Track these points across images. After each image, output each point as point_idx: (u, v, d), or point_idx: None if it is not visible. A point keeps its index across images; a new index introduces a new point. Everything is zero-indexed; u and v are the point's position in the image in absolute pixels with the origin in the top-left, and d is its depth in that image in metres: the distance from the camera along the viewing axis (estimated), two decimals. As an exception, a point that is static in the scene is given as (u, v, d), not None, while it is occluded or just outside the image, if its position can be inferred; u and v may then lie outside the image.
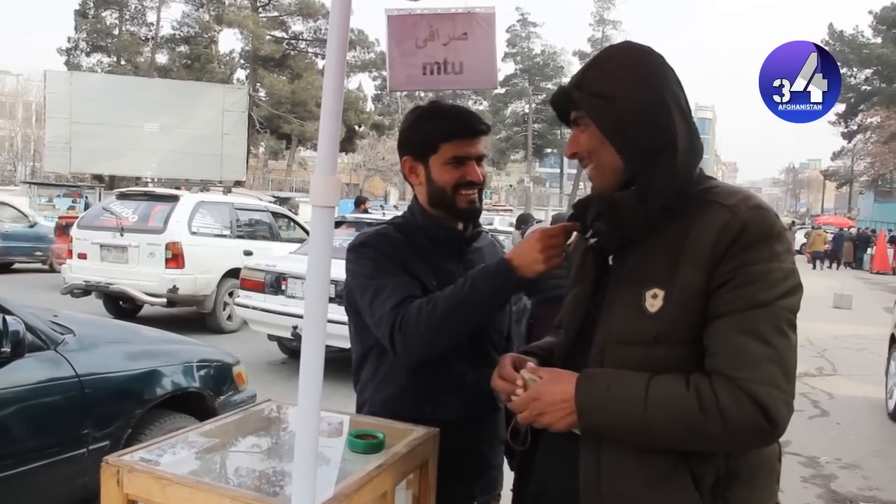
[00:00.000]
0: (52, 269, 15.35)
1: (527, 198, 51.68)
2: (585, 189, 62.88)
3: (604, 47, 1.58)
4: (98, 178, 32.22)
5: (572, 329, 1.58)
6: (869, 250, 32.10)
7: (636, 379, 1.35)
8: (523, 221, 9.24)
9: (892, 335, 7.71)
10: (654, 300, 1.37)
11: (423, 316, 1.71)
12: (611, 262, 1.51)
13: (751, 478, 1.39)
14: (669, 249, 1.38)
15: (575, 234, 1.66)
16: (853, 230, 38.08)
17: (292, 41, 45.43)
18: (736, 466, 1.37)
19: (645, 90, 1.42)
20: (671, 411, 1.31)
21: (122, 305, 10.63)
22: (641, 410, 1.32)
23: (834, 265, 31.87)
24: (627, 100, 1.41)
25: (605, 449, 1.40)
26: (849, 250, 32.79)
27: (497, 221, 22.58)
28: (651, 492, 1.36)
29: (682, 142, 1.42)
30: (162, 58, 43.95)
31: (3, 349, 2.98)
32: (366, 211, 12.28)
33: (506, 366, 1.54)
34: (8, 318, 3.03)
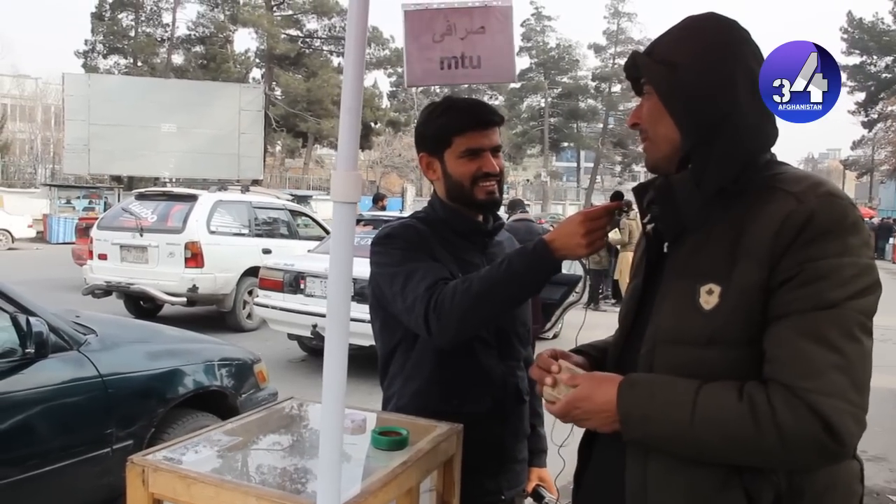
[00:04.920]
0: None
1: (544, 192, 51.50)
2: (603, 183, 62.69)
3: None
4: (117, 179, 32.45)
5: (625, 326, 1.49)
6: (891, 240, 31.68)
7: (683, 387, 1.23)
8: (515, 206, 8.80)
9: (917, 326, 7.59)
10: (709, 297, 1.26)
11: (458, 294, 1.67)
12: (665, 251, 1.41)
13: (819, 498, 1.25)
14: (727, 241, 1.26)
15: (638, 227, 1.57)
16: (874, 220, 37.64)
17: (307, 39, 45.49)
18: (801, 484, 1.23)
19: (712, 60, 1.31)
20: (721, 425, 1.19)
21: (142, 305, 10.70)
22: (688, 422, 1.20)
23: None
24: (690, 67, 1.31)
25: (653, 458, 1.30)
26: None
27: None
28: None
29: (747, 120, 1.31)
30: (178, 58, 44.11)
31: (27, 350, 3.02)
32: (383, 208, 12.27)
33: (543, 355, 1.46)
34: (31, 319, 3.06)
